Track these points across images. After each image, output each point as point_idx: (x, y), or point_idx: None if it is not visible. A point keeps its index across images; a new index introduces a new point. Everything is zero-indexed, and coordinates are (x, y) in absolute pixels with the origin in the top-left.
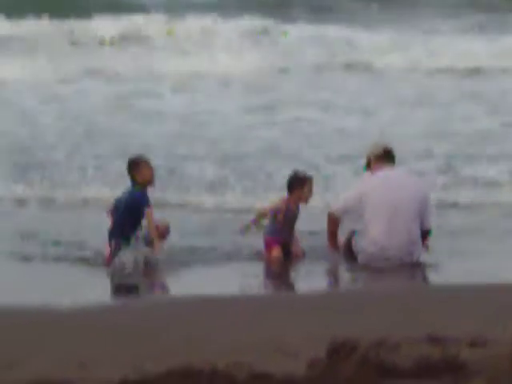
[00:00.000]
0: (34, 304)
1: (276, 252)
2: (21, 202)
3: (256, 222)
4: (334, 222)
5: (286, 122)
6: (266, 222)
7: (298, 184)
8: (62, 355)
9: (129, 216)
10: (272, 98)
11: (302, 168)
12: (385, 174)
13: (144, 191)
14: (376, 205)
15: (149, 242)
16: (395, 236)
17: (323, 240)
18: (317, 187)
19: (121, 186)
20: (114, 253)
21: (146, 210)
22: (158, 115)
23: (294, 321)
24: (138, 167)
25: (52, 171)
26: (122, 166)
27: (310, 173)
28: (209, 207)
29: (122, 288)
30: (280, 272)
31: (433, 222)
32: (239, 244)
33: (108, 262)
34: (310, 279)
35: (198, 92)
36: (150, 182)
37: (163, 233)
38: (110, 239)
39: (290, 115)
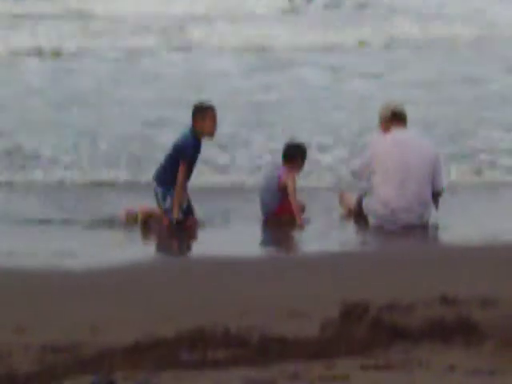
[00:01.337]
0: (44, 266)
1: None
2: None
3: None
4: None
5: None
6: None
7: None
8: (73, 319)
9: (172, 162)
10: None
11: None
12: (393, 136)
13: (196, 141)
14: (386, 167)
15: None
16: (406, 198)
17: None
18: None
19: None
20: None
21: (181, 163)
22: None
23: (306, 283)
24: (202, 114)
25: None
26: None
27: None
28: None
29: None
30: (291, 233)
31: (443, 182)
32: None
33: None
34: (320, 241)
35: None
36: (208, 133)
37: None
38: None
39: None
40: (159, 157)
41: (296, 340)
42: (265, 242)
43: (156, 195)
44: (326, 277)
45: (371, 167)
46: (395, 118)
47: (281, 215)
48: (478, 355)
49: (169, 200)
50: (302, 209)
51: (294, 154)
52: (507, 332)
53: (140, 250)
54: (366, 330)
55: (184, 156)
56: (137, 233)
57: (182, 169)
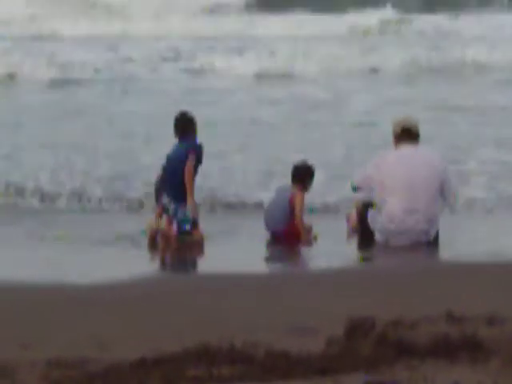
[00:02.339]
0: (49, 281)
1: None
2: None
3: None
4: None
5: None
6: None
7: None
8: (80, 334)
9: (183, 174)
10: None
11: None
12: (399, 152)
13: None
14: (393, 183)
15: None
16: (413, 214)
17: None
18: None
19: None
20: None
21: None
22: None
23: (312, 299)
24: (193, 123)
25: None
26: None
27: None
28: None
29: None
30: (298, 250)
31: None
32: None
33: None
34: (326, 257)
35: None
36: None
37: None
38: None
39: None
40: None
41: (301, 356)
42: (270, 259)
43: (167, 211)
44: (331, 293)
45: (376, 182)
46: (405, 135)
47: (288, 237)
48: (483, 372)
49: (180, 212)
50: (309, 229)
51: (304, 175)
52: None
53: (146, 265)
54: (371, 346)
55: (201, 162)
56: (143, 248)
57: (190, 170)
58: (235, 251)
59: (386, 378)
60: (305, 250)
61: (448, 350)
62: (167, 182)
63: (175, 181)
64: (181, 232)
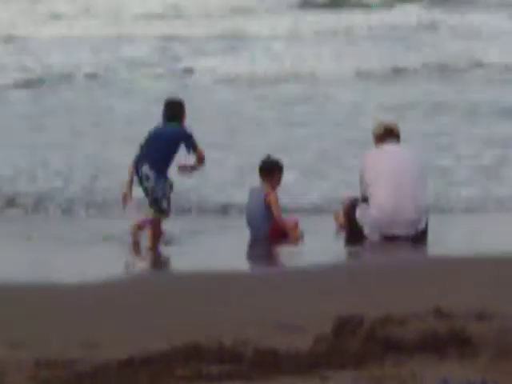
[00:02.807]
0: (37, 281)
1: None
2: None
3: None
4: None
5: None
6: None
7: None
8: (68, 334)
9: (169, 149)
10: None
11: None
12: (385, 148)
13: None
14: (379, 172)
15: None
16: (401, 200)
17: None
18: None
19: None
20: (141, 180)
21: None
22: None
23: (300, 296)
24: (183, 107)
25: None
26: None
27: None
28: None
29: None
30: (285, 248)
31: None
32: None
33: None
34: (313, 254)
35: None
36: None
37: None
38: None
39: None
40: None
41: (289, 354)
42: (258, 256)
43: (145, 179)
44: (319, 290)
45: (364, 179)
46: (387, 135)
47: (273, 236)
48: (471, 368)
49: (161, 190)
50: (295, 225)
51: (272, 170)
52: (501, 344)
53: (133, 264)
54: (359, 343)
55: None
56: (129, 247)
57: (200, 152)
58: (221, 250)
59: (375, 374)
60: (292, 248)
61: (436, 345)
62: (151, 156)
63: (160, 156)
64: (156, 206)
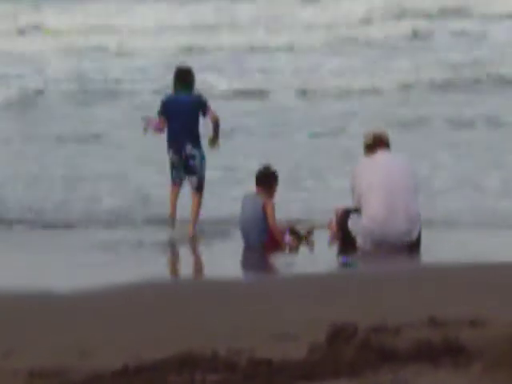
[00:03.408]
0: (30, 290)
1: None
2: None
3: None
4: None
5: None
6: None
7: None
8: (61, 343)
9: (196, 117)
10: None
11: None
12: (376, 157)
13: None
14: (371, 182)
15: None
16: (394, 210)
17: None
18: None
19: None
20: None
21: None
22: None
23: (294, 305)
24: (193, 74)
25: None
26: None
27: None
28: None
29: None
30: (279, 257)
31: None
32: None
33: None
34: (308, 263)
35: None
36: None
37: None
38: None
39: None
40: None
41: (284, 363)
42: (253, 265)
43: (192, 157)
44: (313, 299)
45: (356, 189)
46: (377, 143)
47: (271, 247)
48: (465, 376)
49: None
50: (283, 230)
51: (270, 180)
52: (495, 353)
53: (128, 272)
54: (353, 352)
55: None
56: (123, 255)
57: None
58: (216, 259)
59: (370, 383)
60: (286, 256)
61: (430, 354)
62: (180, 126)
63: (188, 125)
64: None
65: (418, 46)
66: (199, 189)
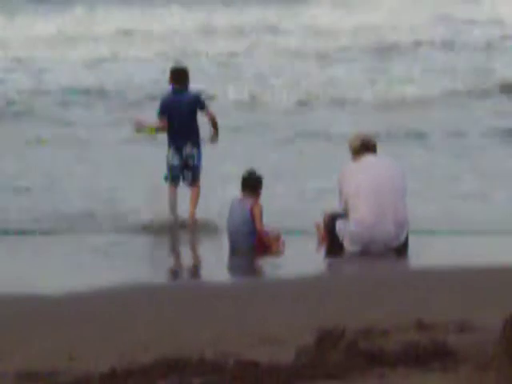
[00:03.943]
0: (18, 293)
1: None
2: None
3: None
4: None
5: None
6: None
7: None
8: (50, 346)
9: (193, 116)
10: None
11: None
12: (363, 161)
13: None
14: (358, 186)
15: None
16: (381, 214)
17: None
18: None
19: None
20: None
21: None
22: None
23: (281, 308)
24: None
25: None
26: None
27: None
28: None
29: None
30: (266, 260)
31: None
32: None
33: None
34: (295, 267)
35: None
36: None
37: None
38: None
39: None
40: None
41: (271, 366)
42: (240, 269)
43: (191, 157)
44: (301, 302)
45: (343, 193)
46: (364, 147)
47: (258, 249)
48: (454, 379)
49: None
50: (278, 237)
51: (256, 184)
52: (483, 356)
53: (116, 276)
54: (341, 356)
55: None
56: (112, 258)
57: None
58: (203, 263)
59: None
60: (273, 260)
61: (419, 358)
62: (180, 125)
63: (188, 123)
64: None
65: None
66: (195, 180)
